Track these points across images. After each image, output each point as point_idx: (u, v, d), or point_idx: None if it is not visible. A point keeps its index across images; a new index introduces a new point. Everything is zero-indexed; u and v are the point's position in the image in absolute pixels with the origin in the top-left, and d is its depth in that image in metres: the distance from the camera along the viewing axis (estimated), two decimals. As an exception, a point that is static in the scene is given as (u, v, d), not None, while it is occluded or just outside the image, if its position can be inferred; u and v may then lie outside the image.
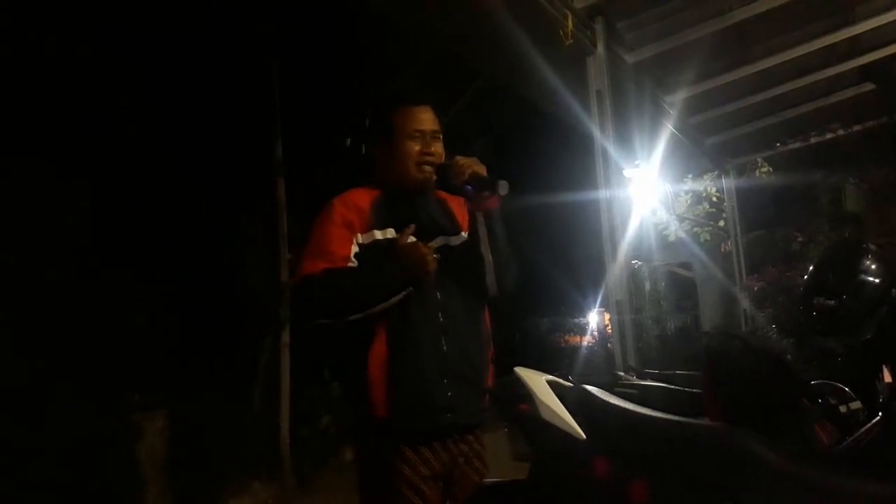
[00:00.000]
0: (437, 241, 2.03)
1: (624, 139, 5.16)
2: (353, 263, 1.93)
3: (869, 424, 1.90)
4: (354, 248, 1.95)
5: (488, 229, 2.00)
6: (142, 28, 6.63)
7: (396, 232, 1.97)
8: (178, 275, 6.72)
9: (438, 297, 1.98)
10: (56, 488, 4.95)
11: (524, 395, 1.69)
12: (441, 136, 2.10)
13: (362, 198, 2.03)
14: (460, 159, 2.01)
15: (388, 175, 2.08)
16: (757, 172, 8.54)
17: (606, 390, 1.75)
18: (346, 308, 1.91)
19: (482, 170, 1.98)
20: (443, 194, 2.18)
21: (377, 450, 1.93)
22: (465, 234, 2.08)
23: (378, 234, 1.97)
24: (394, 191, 2.07)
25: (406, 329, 1.92)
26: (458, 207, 2.15)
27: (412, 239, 1.93)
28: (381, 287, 1.90)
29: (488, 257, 2.00)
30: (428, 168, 2.04)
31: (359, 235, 1.96)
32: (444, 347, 1.95)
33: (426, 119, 2.07)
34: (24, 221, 5.53)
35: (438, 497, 1.96)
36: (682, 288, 11.44)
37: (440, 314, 1.97)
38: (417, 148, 2.04)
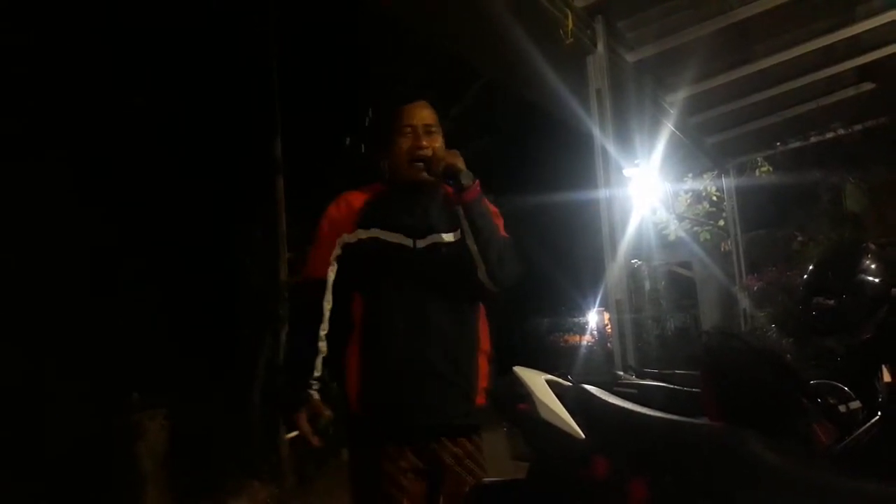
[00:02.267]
0: (429, 240, 2.04)
1: (624, 138, 5.15)
2: (332, 275, 2.03)
3: (868, 424, 1.90)
4: (336, 253, 2.04)
5: (469, 221, 1.97)
6: (141, 28, 6.64)
7: (383, 229, 2.02)
8: (177, 274, 6.72)
9: (427, 296, 1.99)
10: (56, 487, 4.95)
11: (523, 394, 1.69)
12: (437, 130, 2.10)
13: (357, 198, 2.09)
14: (438, 152, 2.03)
15: (391, 175, 2.13)
16: (757, 172, 8.54)
17: (606, 390, 1.75)
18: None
19: (459, 162, 1.97)
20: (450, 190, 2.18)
21: (357, 445, 2.01)
22: (459, 232, 2.07)
23: (362, 234, 2.02)
24: (394, 189, 2.10)
25: (379, 325, 1.97)
26: None
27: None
28: (288, 369, 2.12)
29: (474, 249, 1.98)
30: (419, 164, 2.05)
31: (344, 235, 2.03)
32: (423, 347, 1.95)
33: (417, 114, 2.09)
34: (24, 221, 5.53)
35: (422, 491, 1.96)
36: (682, 287, 11.44)
37: (418, 312, 1.97)
38: (407, 144, 2.06)
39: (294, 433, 1.98)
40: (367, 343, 1.98)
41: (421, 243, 2.03)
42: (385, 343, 1.95)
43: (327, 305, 2.01)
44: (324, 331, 2.01)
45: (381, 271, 1.99)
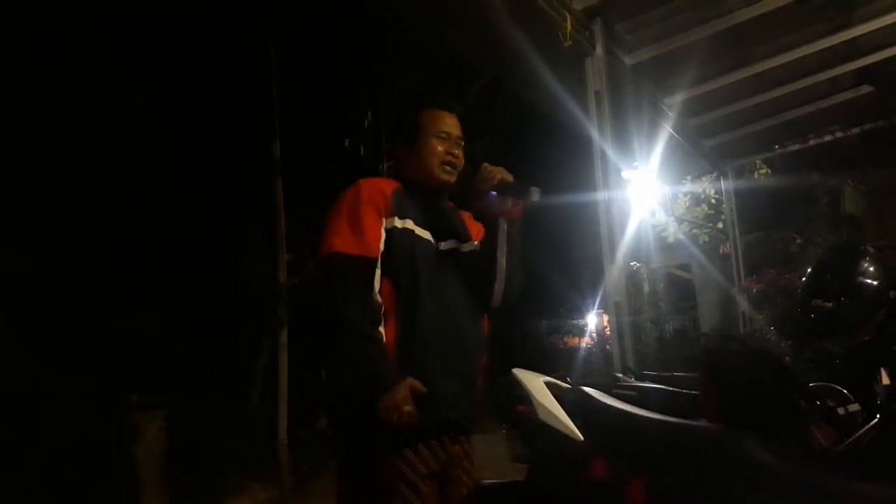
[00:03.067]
0: (449, 244, 2.08)
1: (622, 141, 5.16)
2: (382, 249, 1.93)
3: (867, 427, 1.90)
4: (383, 234, 1.96)
5: (509, 237, 2.04)
6: (140, 28, 6.63)
7: (415, 224, 2.01)
8: (176, 275, 6.71)
9: (448, 295, 2.01)
10: (55, 488, 4.94)
11: (522, 396, 1.70)
12: (463, 144, 2.15)
13: (384, 185, 2.06)
14: (489, 166, 2.05)
15: (411, 174, 2.12)
16: (756, 174, 8.55)
17: (604, 392, 1.76)
18: (329, 325, 1.93)
19: (510, 177, 2.02)
20: (453, 206, 2.22)
21: (370, 447, 1.90)
22: (475, 244, 2.12)
23: (398, 223, 1.99)
24: (414, 188, 2.10)
25: (415, 322, 1.93)
26: (469, 221, 2.21)
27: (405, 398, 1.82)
28: (356, 366, 1.88)
29: (502, 264, 2.03)
30: (450, 169, 2.09)
31: (384, 220, 1.98)
32: (449, 346, 1.97)
33: (453, 124, 2.14)
34: (24, 222, 5.52)
35: (435, 495, 1.95)
36: (681, 290, 11.44)
37: (447, 313, 1.99)
38: (442, 148, 2.09)
39: (407, 408, 1.78)
40: (402, 335, 1.92)
41: (443, 245, 2.07)
42: (421, 338, 1.93)
43: (377, 285, 1.92)
44: (381, 308, 1.90)
45: (413, 264, 1.97)
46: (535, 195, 1.97)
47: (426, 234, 2.03)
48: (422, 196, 2.09)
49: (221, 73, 7.27)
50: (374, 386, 1.82)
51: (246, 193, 7.43)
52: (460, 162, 2.12)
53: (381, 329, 1.88)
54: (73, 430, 5.24)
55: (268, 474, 6.54)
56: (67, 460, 5.08)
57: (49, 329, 5.40)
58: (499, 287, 2.04)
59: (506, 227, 2.04)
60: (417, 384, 1.85)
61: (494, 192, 2.00)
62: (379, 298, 1.91)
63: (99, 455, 5.34)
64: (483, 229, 2.12)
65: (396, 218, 1.99)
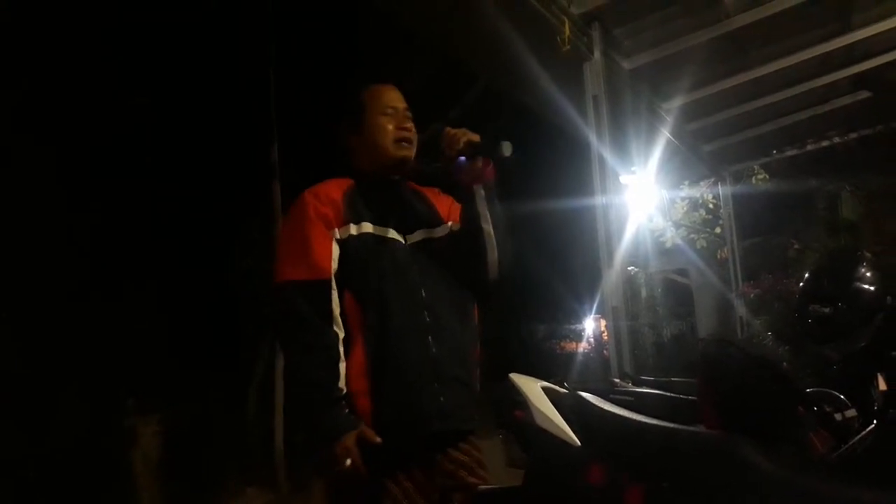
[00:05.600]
0: (418, 235, 1.92)
1: (620, 145, 5.16)
2: (335, 266, 1.78)
3: (864, 432, 1.90)
4: (336, 250, 1.80)
5: (489, 201, 1.88)
6: (138, 31, 6.64)
7: (374, 224, 1.86)
8: (174, 279, 6.71)
9: (423, 294, 1.84)
10: (51, 491, 4.93)
11: (519, 401, 1.69)
12: (412, 116, 2.00)
13: (334, 190, 1.90)
14: (451, 129, 1.89)
15: (364, 161, 1.97)
16: (753, 179, 8.56)
17: (602, 397, 1.75)
18: (284, 347, 1.84)
19: (476, 138, 1.87)
20: (417, 186, 2.05)
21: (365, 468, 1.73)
22: (449, 225, 1.96)
23: (353, 229, 1.83)
24: (368, 180, 1.95)
25: (387, 333, 1.77)
26: (436, 198, 2.04)
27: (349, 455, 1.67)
28: (302, 415, 1.79)
29: (490, 232, 1.86)
30: (406, 144, 1.94)
31: (336, 231, 1.82)
32: (433, 349, 1.80)
33: (396, 97, 1.99)
34: (24, 225, 5.52)
35: None
36: (679, 295, 11.43)
37: (426, 313, 1.82)
38: (392, 125, 1.94)
39: (347, 462, 1.64)
40: (374, 350, 1.76)
41: (411, 239, 1.90)
42: (396, 348, 1.77)
43: (336, 309, 1.76)
44: (340, 335, 1.75)
45: (377, 270, 1.81)
46: (507, 149, 1.81)
47: (389, 233, 1.87)
48: (379, 188, 1.93)
49: (220, 76, 7.28)
50: (317, 438, 1.71)
51: (245, 196, 7.42)
52: (414, 134, 1.95)
53: (339, 366, 1.73)
54: (70, 433, 5.23)
55: (264, 479, 6.53)
56: (63, 463, 5.07)
57: (47, 332, 5.39)
58: (492, 257, 1.86)
59: (483, 192, 1.88)
60: (369, 433, 1.68)
61: (463, 158, 1.85)
62: (336, 328, 1.76)
63: (95, 459, 5.32)
64: (455, 202, 1.98)
65: (352, 224, 1.83)
